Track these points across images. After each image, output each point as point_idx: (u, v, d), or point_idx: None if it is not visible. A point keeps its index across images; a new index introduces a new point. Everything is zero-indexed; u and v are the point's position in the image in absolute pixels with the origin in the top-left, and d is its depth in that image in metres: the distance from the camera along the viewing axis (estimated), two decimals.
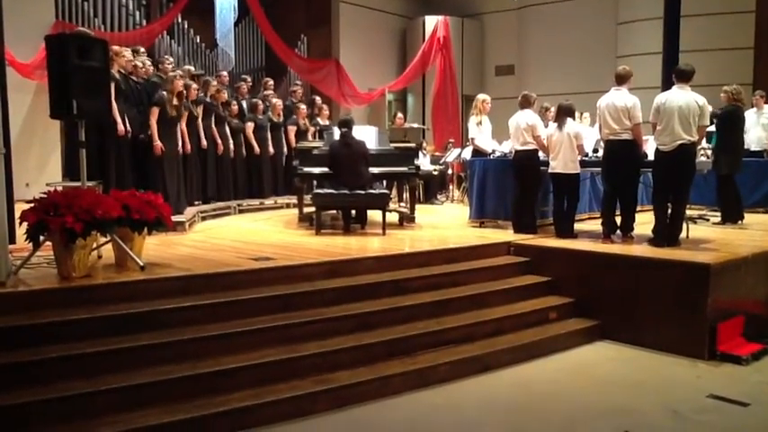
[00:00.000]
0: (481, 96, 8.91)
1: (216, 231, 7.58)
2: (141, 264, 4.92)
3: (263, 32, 13.47)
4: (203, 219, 8.45)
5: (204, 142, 8.91)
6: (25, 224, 4.54)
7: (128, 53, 7.78)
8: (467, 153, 10.40)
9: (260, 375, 4.19)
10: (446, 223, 8.60)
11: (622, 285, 5.85)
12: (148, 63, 8.22)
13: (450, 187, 12.41)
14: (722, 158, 8.09)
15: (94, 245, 4.98)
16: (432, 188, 11.77)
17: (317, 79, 13.94)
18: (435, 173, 11.81)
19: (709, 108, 6.43)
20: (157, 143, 7.47)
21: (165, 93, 7.64)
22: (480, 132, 8.69)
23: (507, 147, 8.33)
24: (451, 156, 12.01)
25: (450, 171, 12.37)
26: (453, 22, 15.63)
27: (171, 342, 4.20)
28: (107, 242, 5.11)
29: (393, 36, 15.89)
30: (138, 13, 12.05)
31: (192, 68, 9.93)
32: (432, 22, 15.44)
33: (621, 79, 6.59)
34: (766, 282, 6.13)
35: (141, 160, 7.66)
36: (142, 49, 8.76)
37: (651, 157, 6.56)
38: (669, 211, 6.36)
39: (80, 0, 11.16)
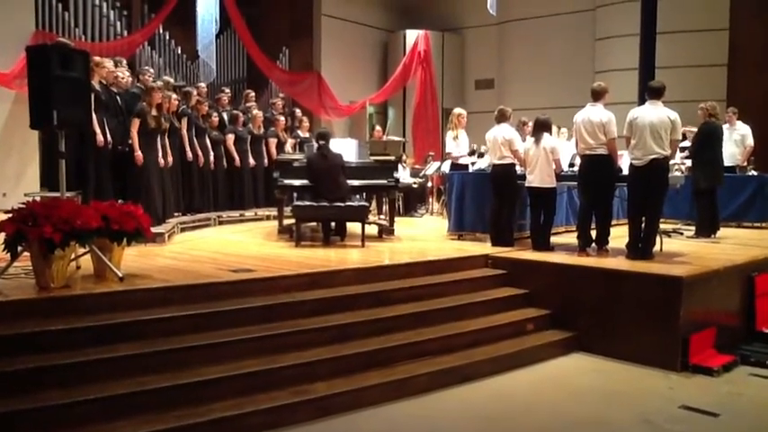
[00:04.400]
0: (457, 111, 8.99)
1: (195, 243, 7.58)
2: (120, 275, 4.92)
3: (244, 44, 13.52)
4: (183, 230, 8.43)
5: (189, 154, 8.93)
6: (3, 234, 4.52)
7: (109, 64, 7.77)
8: (446, 166, 10.50)
9: (239, 386, 4.21)
10: (425, 236, 8.67)
11: (598, 298, 5.95)
12: (128, 74, 8.22)
13: (430, 200, 12.50)
14: (699, 173, 8.27)
15: (73, 255, 4.98)
16: (411, 201, 11.84)
17: (298, 92, 14.00)
18: (415, 185, 11.89)
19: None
20: (138, 153, 7.46)
21: (144, 104, 7.64)
22: (457, 146, 8.78)
23: (485, 162, 8.41)
24: (431, 169, 12.11)
25: (429, 184, 12.46)
26: (434, 36, 15.80)
27: (150, 353, 4.21)
28: (86, 253, 5.10)
29: (374, 49, 16.01)
30: (119, 23, 12.03)
31: (172, 79, 9.93)
32: (413, 35, 15.60)
33: (597, 95, 6.72)
34: (737, 294, 6.26)
35: (122, 171, 7.65)
36: (124, 61, 8.76)
37: (626, 171, 6.68)
38: (643, 224, 6.48)
39: (60, 10, 11.13)
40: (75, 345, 4.10)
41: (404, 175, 11.00)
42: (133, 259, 5.74)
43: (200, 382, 4.12)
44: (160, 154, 7.91)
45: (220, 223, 9.54)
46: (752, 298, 6.33)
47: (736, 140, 9.64)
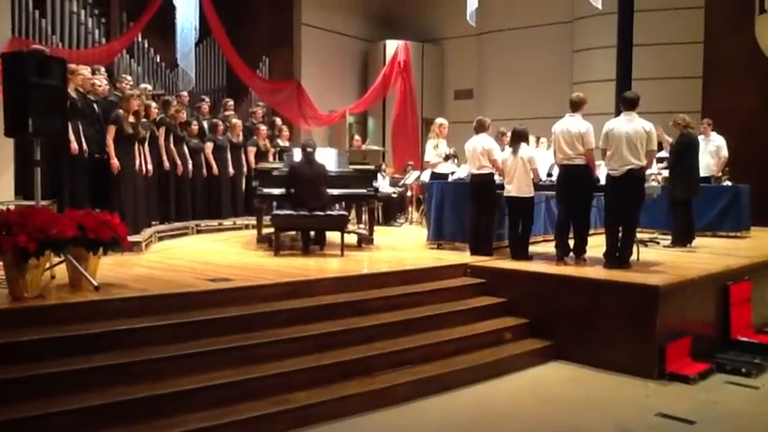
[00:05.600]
0: (438, 120, 9.05)
1: (173, 252, 7.52)
2: (96, 284, 4.87)
3: (224, 53, 13.46)
4: (160, 239, 8.37)
5: (167, 163, 8.88)
6: None
7: (85, 71, 7.71)
8: (426, 175, 10.53)
9: (218, 396, 4.17)
10: (404, 245, 8.68)
11: (575, 306, 5.99)
12: (105, 82, 8.15)
13: (410, 209, 12.51)
14: (677, 184, 8.38)
15: (48, 265, 4.91)
16: (391, 210, 11.85)
17: (277, 101, 13.95)
18: (394, 195, 11.91)
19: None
20: (114, 161, 7.40)
21: (120, 111, 7.59)
22: (437, 156, 8.82)
23: (464, 171, 8.45)
24: (410, 178, 12.13)
25: (409, 193, 12.48)
26: (414, 46, 15.86)
27: (127, 363, 4.16)
28: (61, 262, 5.04)
29: (354, 59, 16.03)
30: (97, 31, 11.93)
31: (150, 87, 9.87)
32: (393, 46, 15.64)
33: (576, 106, 6.79)
34: (712, 303, 6.34)
35: (98, 179, 7.57)
36: (102, 68, 8.68)
37: (603, 181, 6.75)
38: (620, 234, 6.53)
39: (38, 16, 11.02)
40: (50, 355, 4.04)
41: (383, 184, 11.04)
42: (109, 268, 5.69)
43: (178, 393, 4.07)
44: (137, 162, 7.85)
45: (198, 232, 9.48)
46: (727, 306, 6.41)
47: (711, 151, 9.78)
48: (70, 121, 6.81)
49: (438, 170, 8.85)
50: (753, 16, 12.41)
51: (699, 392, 5.23)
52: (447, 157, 8.77)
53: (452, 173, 8.88)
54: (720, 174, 10.07)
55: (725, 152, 9.84)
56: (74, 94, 7.21)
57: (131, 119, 7.66)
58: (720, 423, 4.65)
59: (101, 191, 7.54)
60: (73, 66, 7.41)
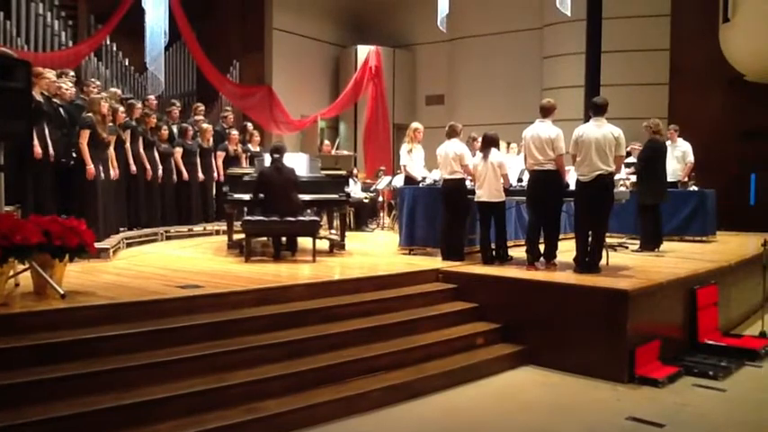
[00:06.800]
0: (414, 125, 9.07)
1: (142, 258, 7.41)
2: (62, 292, 4.77)
3: (194, 57, 13.35)
4: (129, 245, 8.24)
5: (134, 168, 8.75)
6: None
7: (50, 74, 7.57)
8: (397, 181, 10.53)
9: (188, 405, 4.10)
10: (376, 250, 8.67)
11: (546, 311, 6.02)
12: (71, 85, 8.01)
13: (381, 214, 12.52)
14: (645, 189, 8.50)
15: (12, 272, 4.80)
16: (362, 215, 11.84)
17: (248, 105, 13.88)
18: (366, 200, 11.91)
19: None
20: (90, 167, 7.25)
21: (91, 115, 7.45)
22: (411, 160, 8.83)
23: (437, 175, 8.47)
24: (382, 183, 12.14)
25: (380, 198, 12.49)
26: (385, 52, 15.91)
27: (95, 372, 4.07)
28: (25, 269, 4.93)
29: (326, 64, 16.04)
30: (63, 33, 11.76)
31: (119, 91, 9.74)
32: (364, 51, 15.67)
33: (546, 111, 6.84)
34: (680, 307, 6.43)
35: (64, 184, 7.43)
36: (72, 73, 8.54)
37: (573, 187, 6.81)
38: (590, 238, 6.60)
39: (2, 18, 10.83)
40: (15, 365, 3.94)
41: (355, 189, 11.01)
42: (76, 276, 5.58)
43: (147, 402, 4.00)
44: (102, 167, 7.71)
45: (168, 238, 9.35)
46: (694, 310, 6.50)
47: (677, 157, 9.93)
48: (35, 125, 6.68)
49: (411, 174, 8.83)
50: (717, 25, 12.70)
51: (668, 395, 5.29)
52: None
53: (423, 178, 8.88)
54: (687, 179, 10.25)
55: (691, 158, 10.01)
56: (39, 98, 7.07)
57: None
58: (689, 426, 4.71)
59: (67, 196, 7.40)
60: (38, 69, 7.26)
